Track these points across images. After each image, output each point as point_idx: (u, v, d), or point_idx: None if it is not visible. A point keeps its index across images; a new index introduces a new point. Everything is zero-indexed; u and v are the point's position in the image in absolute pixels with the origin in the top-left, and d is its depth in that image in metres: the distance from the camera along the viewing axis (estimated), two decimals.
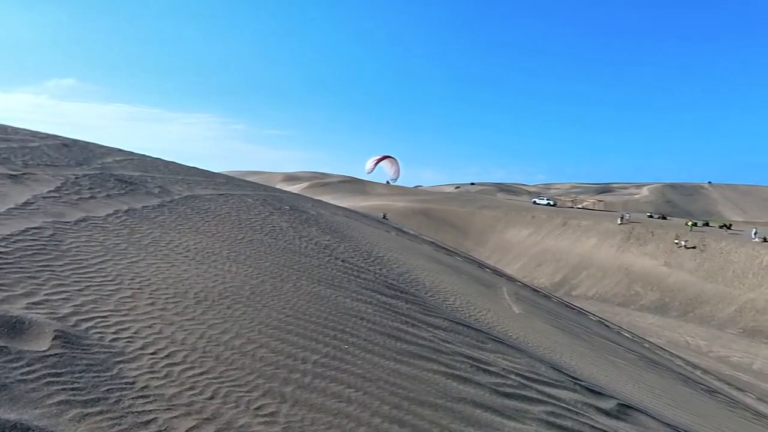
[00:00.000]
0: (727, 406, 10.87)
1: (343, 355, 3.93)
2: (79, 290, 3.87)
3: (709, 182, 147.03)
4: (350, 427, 2.90)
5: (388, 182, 39.40)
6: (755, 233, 42.87)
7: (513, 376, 4.71)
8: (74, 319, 3.36)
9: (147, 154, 16.49)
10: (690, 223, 49.89)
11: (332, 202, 30.05)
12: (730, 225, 52.80)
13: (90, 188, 8.10)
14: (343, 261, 8.27)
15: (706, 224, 52.68)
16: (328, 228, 12.00)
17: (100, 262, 4.68)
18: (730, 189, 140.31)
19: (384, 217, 33.35)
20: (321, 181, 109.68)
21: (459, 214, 61.69)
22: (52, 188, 7.34)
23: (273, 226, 9.48)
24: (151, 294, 4.18)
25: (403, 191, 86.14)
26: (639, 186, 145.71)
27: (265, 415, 2.79)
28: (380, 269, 8.86)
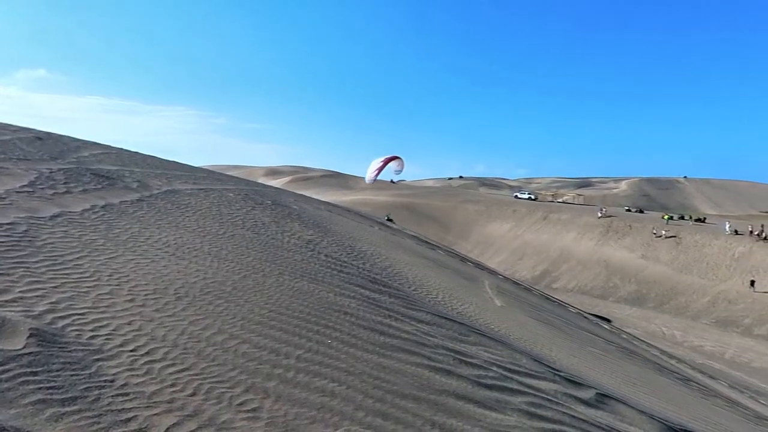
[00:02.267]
0: (700, 393, 11.21)
1: (326, 349, 3.93)
2: (54, 287, 3.78)
3: (685, 177, 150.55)
4: (334, 421, 2.91)
5: (392, 181, 37.76)
6: (728, 226, 44.15)
7: (495, 368, 4.77)
8: (50, 316, 3.28)
9: (124, 147, 16.15)
10: (666, 217, 51.13)
11: (315, 196, 29.90)
12: (705, 218, 54.26)
13: (65, 183, 7.90)
14: (326, 256, 8.25)
15: (682, 217, 54.04)
16: (311, 223, 11.94)
17: (77, 258, 4.58)
18: (704, 183, 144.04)
19: (388, 218, 31.48)
20: (303, 175, 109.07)
21: (441, 209, 62.02)
22: (26, 183, 7.14)
23: (255, 221, 9.40)
24: (130, 290, 4.11)
25: (385, 186, 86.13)
26: (617, 180, 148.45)
27: (248, 411, 2.78)
28: (363, 264, 8.87)
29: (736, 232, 42.06)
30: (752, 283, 34.88)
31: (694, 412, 7.99)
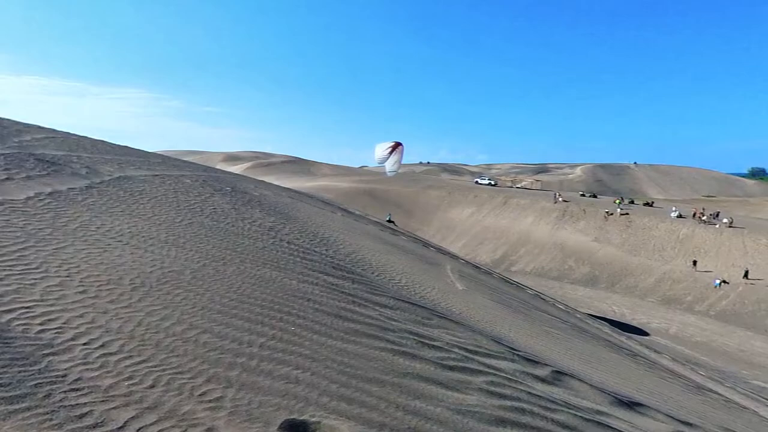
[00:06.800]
0: (646, 367, 11.91)
1: (290, 336, 3.91)
2: None
3: (635, 163, 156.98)
4: (299, 408, 2.91)
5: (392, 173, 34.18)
6: (673, 209, 46.69)
7: (456, 350, 4.89)
8: None
9: (70, 132, 15.29)
10: (617, 201, 53.43)
11: (276, 183, 29.37)
12: (652, 202, 57.09)
13: (6, 169, 7.42)
14: (288, 243, 8.16)
15: (632, 202, 56.59)
16: (272, 209, 11.75)
17: (21, 249, 4.34)
18: (652, 169, 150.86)
19: (389, 220, 29.90)
20: (264, 161, 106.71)
21: (404, 194, 62.36)
22: None
23: (214, 208, 9.15)
24: (81, 281, 3.94)
25: (348, 172, 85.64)
26: (573, 166, 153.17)
27: (210, 401, 2.74)
28: (326, 250, 8.83)
29: (680, 215, 44.55)
30: (694, 263, 37.14)
31: (641, 384, 8.49)
